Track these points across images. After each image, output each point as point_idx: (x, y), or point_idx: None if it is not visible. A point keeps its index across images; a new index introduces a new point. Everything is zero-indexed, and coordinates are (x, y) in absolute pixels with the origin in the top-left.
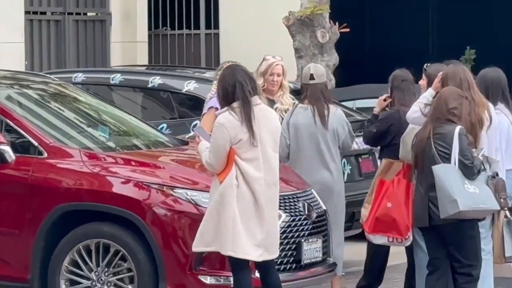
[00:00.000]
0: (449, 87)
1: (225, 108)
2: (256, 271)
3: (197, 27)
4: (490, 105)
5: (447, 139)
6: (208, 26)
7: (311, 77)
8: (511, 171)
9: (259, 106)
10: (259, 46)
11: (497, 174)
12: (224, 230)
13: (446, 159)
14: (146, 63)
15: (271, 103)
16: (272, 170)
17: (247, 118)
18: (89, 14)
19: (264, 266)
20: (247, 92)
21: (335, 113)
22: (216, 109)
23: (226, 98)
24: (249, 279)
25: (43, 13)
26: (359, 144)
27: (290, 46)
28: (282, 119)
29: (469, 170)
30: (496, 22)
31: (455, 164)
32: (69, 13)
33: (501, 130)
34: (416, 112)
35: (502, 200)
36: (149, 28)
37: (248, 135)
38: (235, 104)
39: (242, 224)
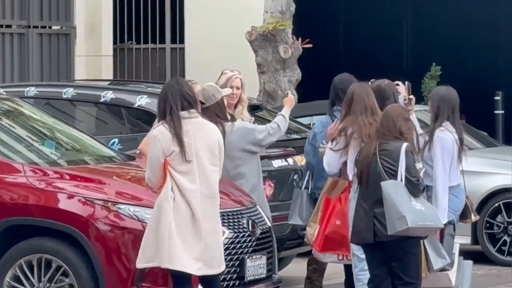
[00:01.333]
0: (394, 105)
1: (160, 122)
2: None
3: (162, 41)
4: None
5: (393, 155)
6: (173, 41)
7: (201, 102)
8: (456, 187)
9: (196, 119)
10: (224, 60)
11: None
12: (161, 243)
13: (392, 175)
14: (111, 77)
15: (232, 118)
16: (209, 183)
17: (175, 131)
18: (53, 27)
19: (208, 282)
20: (174, 105)
21: (232, 130)
22: None
23: (160, 112)
24: None
25: (8, 26)
26: None
27: (253, 61)
28: None
29: (415, 187)
30: (467, 39)
31: (401, 180)
32: (34, 27)
33: (444, 146)
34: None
35: None
36: (114, 42)
37: (179, 148)
38: (168, 118)
39: (179, 236)
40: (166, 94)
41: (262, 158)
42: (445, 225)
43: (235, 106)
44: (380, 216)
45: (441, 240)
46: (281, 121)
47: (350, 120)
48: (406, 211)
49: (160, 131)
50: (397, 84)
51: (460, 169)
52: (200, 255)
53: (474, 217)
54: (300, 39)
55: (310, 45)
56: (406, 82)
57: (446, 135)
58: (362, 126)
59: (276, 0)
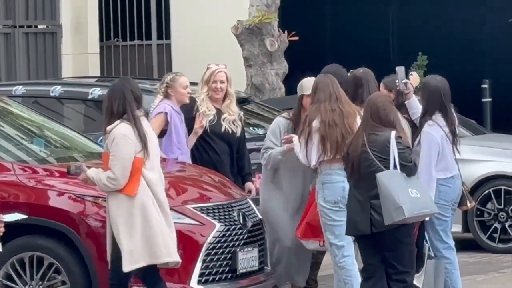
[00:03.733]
0: (377, 94)
1: (118, 121)
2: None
3: (148, 37)
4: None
5: (382, 144)
6: (160, 37)
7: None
8: (444, 180)
9: (144, 117)
10: (210, 55)
11: None
12: (155, 239)
13: (385, 164)
14: (98, 74)
15: (219, 113)
16: (160, 172)
17: (139, 130)
18: (39, 26)
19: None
20: (131, 105)
21: None
22: (165, 114)
23: (114, 111)
24: None
25: None
26: None
27: (240, 55)
28: (231, 130)
29: (410, 170)
30: (453, 28)
31: (396, 168)
32: (20, 26)
33: (430, 142)
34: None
35: None
36: (101, 40)
37: (141, 145)
38: (125, 116)
39: (162, 228)
40: (123, 93)
41: (251, 151)
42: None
43: (223, 100)
44: (377, 207)
45: (420, 231)
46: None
47: (314, 109)
48: (403, 201)
49: (128, 129)
50: (411, 74)
51: (454, 158)
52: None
53: (470, 204)
54: (286, 32)
55: (296, 38)
56: (399, 67)
57: (434, 130)
58: (324, 112)
59: None
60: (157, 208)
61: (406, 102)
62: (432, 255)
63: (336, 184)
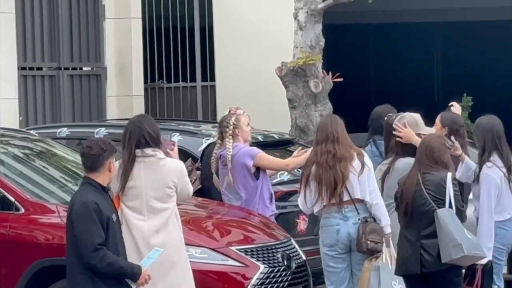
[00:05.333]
0: (431, 135)
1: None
2: None
3: (193, 79)
4: (364, 152)
5: (437, 184)
6: (204, 79)
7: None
8: (501, 223)
9: (148, 158)
10: (255, 97)
11: (373, 219)
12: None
13: (439, 205)
14: None
15: None
16: (157, 219)
17: (124, 168)
18: (84, 68)
19: None
20: (131, 143)
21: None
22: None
23: (122, 146)
24: None
25: (39, 68)
26: None
27: (284, 96)
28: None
29: (461, 214)
30: (498, 68)
31: (451, 208)
32: (65, 68)
33: (489, 185)
34: None
35: (369, 242)
36: (145, 82)
37: (120, 186)
38: (123, 153)
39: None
40: (127, 130)
41: (294, 192)
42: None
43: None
44: (427, 246)
45: (483, 280)
46: None
47: (313, 153)
48: (462, 239)
49: (116, 167)
50: (451, 105)
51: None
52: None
53: None
54: (330, 73)
55: (341, 79)
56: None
57: (493, 172)
58: (318, 155)
59: (305, 35)
60: (127, 245)
61: (461, 164)
62: None
63: (331, 227)
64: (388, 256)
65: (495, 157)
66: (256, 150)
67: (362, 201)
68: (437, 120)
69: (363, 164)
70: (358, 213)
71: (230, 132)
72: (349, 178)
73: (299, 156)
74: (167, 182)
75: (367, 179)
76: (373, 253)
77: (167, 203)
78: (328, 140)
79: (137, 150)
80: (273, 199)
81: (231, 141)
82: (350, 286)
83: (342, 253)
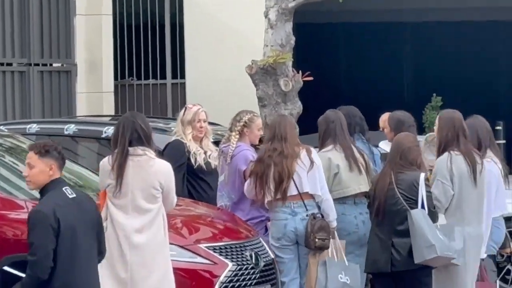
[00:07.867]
0: (405, 133)
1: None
2: None
3: (163, 76)
4: (313, 149)
5: (409, 184)
6: (174, 76)
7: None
8: (498, 218)
9: (139, 157)
10: (224, 95)
11: (321, 216)
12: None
13: (411, 205)
14: (113, 113)
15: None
16: (142, 219)
17: (116, 166)
18: (54, 65)
19: None
20: (123, 140)
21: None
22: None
23: (112, 142)
24: None
25: (9, 64)
26: None
27: (254, 94)
28: (215, 166)
29: (433, 215)
30: (467, 69)
31: (423, 208)
32: (35, 64)
33: (490, 179)
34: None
35: (317, 240)
36: (115, 78)
37: (114, 182)
38: (116, 150)
39: (108, 262)
40: (119, 126)
41: None
42: (483, 259)
43: (201, 140)
44: (398, 245)
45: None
46: None
47: (260, 149)
48: (435, 240)
49: (103, 163)
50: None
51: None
52: (127, 281)
53: None
54: (300, 72)
55: (311, 78)
56: None
57: (493, 167)
58: (263, 152)
59: (276, 33)
60: (110, 245)
61: None
62: None
63: (279, 222)
64: (334, 248)
65: (490, 154)
66: (253, 157)
67: (311, 196)
68: (437, 120)
69: (312, 161)
70: (307, 209)
71: (239, 128)
72: (298, 173)
73: None
74: (154, 183)
75: (317, 175)
76: (321, 250)
77: (153, 204)
78: (275, 138)
79: (131, 148)
80: None
81: (237, 137)
82: (297, 276)
83: (288, 245)
